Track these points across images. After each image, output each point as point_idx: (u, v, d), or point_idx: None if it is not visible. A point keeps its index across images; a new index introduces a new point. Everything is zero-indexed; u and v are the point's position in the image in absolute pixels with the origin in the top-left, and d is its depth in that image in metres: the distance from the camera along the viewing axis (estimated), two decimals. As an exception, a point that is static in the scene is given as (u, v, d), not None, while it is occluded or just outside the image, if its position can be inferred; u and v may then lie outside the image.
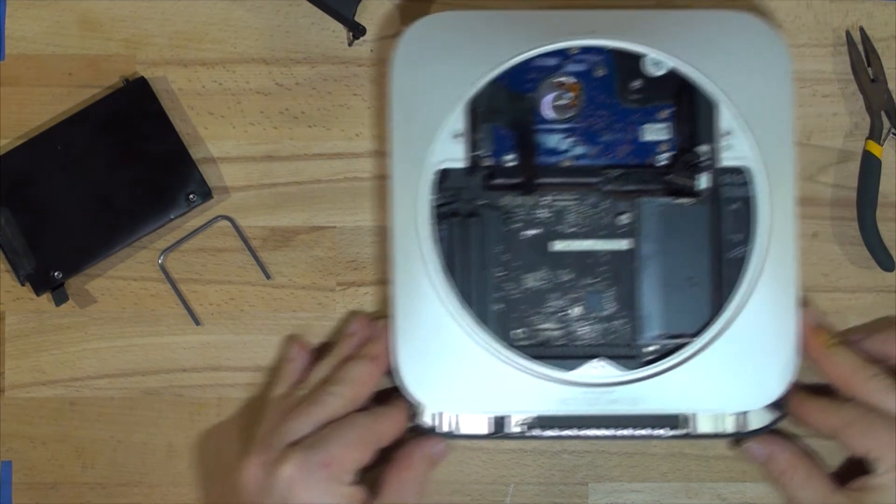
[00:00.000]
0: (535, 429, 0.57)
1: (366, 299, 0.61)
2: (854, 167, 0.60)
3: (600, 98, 0.58)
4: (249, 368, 0.61)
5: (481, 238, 0.57)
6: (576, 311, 0.58)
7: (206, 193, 0.60)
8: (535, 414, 0.57)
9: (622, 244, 0.58)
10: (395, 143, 0.56)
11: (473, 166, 0.57)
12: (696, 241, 0.57)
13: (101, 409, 0.61)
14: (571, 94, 0.58)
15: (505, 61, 0.56)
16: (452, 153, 0.56)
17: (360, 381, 0.56)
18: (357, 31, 0.58)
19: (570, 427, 0.57)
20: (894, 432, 0.54)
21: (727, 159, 0.56)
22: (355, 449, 0.54)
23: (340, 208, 0.61)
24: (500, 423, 0.57)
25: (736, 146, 0.56)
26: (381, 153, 0.61)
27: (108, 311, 0.61)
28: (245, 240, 0.61)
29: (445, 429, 0.57)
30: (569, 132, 0.58)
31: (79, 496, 0.61)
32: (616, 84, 0.58)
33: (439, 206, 0.57)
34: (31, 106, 0.61)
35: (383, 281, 0.61)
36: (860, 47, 0.61)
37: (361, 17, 0.58)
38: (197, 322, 0.61)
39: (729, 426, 0.57)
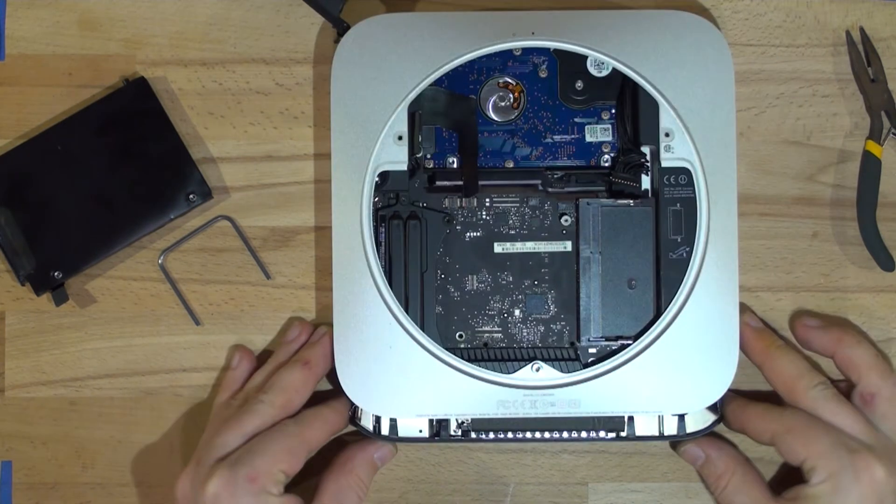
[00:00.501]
0: (475, 432, 0.57)
1: (366, 299, 0.61)
2: (854, 167, 0.60)
3: (543, 99, 0.59)
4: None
5: (422, 240, 0.57)
6: (517, 313, 0.58)
7: (206, 193, 0.60)
8: (474, 417, 0.57)
9: (564, 246, 0.57)
10: (336, 145, 0.56)
11: (415, 168, 0.57)
12: (639, 242, 0.57)
13: (101, 409, 0.61)
14: (514, 96, 0.58)
15: (447, 63, 0.56)
16: (394, 155, 0.56)
17: (292, 388, 0.56)
18: (341, 28, 0.58)
19: (509, 430, 0.57)
20: (832, 442, 0.53)
21: (669, 160, 0.56)
22: (282, 460, 0.54)
23: (340, 208, 0.61)
24: (439, 426, 0.57)
25: (677, 147, 0.56)
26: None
27: (108, 311, 0.61)
28: (245, 240, 0.61)
29: (384, 432, 0.57)
30: (511, 133, 0.58)
31: (79, 496, 0.61)
32: (559, 85, 0.58)
33: (380, 208, 0.57)
34: (31, 106, 0.61)
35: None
36: (860, 47, 0.61)
37: (351, 18, 0.58)
38: (197, 322, 0.61)
39: (669, 429, 0.57)
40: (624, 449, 0.61)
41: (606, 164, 0.58)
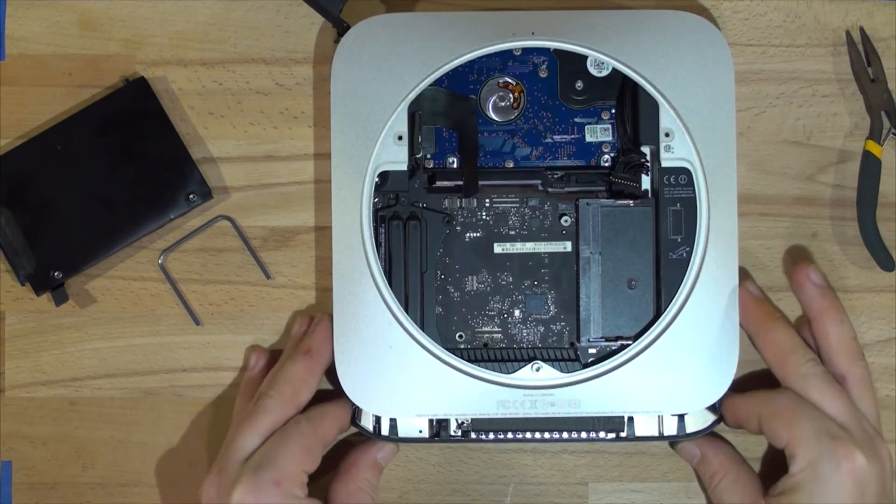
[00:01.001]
0: (475, 432, 0.57)
1: (366, 299, 0.61)
2: (854, 167, 0.60)
3: (543, 99, 0.59)
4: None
5: (422, 241, 0.57)
6: (517, 313, 0.58)
7: (206, 193, 0.60)
8: (473, 416, 0.57)
9: (564, 246, 0.58)
10: (336, 145, 0.56)
11: (415, 168, 0.57)
12: (639, 242, 0.57)
13: (101, 409, 0.61)
14: (514, 96, 0.58)
15: (447, 63, 0.56)
16: (394, 155, 0.56)
17: (297, 379, 0.56)
18: (341, 28, 0.58)
19: (509, 430, 0.57)
20: (815, 429, 0.52)
21: (669, 160, 0.56)
22: (302, 460, 0.54)
23: (340, 208, 0.61)
24: (439, 426, 0.57)
25: (677, 147, 0.56)
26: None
27: (108, 311, 0.61)
28: (245, 240, 0.61)
29: (384, 432, 0.57)
30: (511, 133, 0.58)
31: (79, 496, 0.61)
32: (559, 85, 0.58)
33: (380, 208, 0.57)
34: (31, 106, 0.61)
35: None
36: (860, 47, 0.61)
37: (351, 18, 0.58)
38: (197, 322, 0.61)
39: (668, 429, 0.57)
40: (624, 449, 0.61)
41: (606, 164, 0.58)
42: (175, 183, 0.60)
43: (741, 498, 0.55)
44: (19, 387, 0.61)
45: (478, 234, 0.58)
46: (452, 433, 0.57)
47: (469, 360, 0.56)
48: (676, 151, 0.56)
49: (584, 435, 0.57)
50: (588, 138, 0.58)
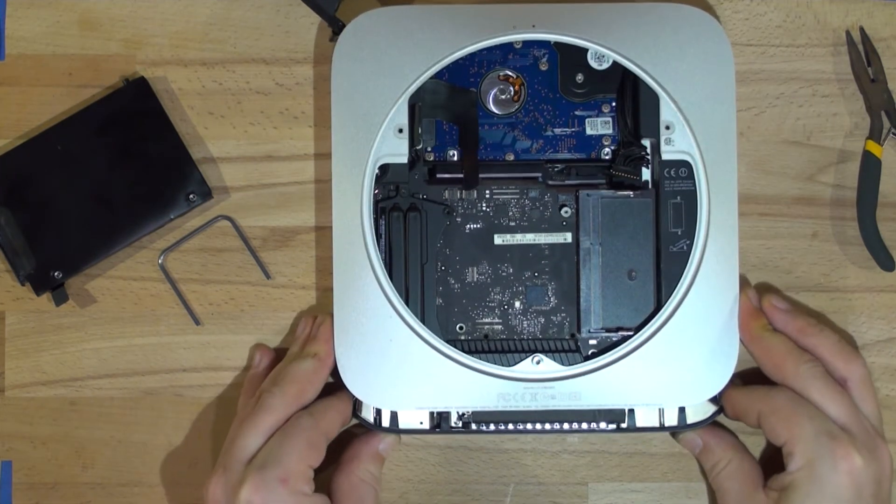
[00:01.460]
0: (475, 423, 0.57)
1: (366, 299, 0.61)
2: (854, 167, 0.60)
3: (543, 92, 0.59)
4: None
5: (422, 232, 0.57)
6: (517, 305, 0.58)
7: (206, 193, 0.60)
8: (474, 409, 0.56)
9: (564, 237, 0.58)
10: (337, 137, 0.56)
11: (415, 161, 0.57)
12: (639, 233, 0.57)
13: (101, 409, 0.61)
14: (514, 89, 0.59)
15: (447, 56, 0.56)
16: (394, 148, 0.56)
17: (304, 378, 0.56)
18: (337, 26, 0.58)
19: (510, 422, 0.57)
20: (814, 428, 0.52)
21: (669, 153, 0.56)
22: (307, 456, 0.54)
23: (340, 208, 0.61)
24: (440, 418, 0.57)
25: (677, 140, 0.56)
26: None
27: (108, 311, 0.61)
28: (245, 240, 0.61)
29: (385, 424, 0.57)
30: (512, 126, 0.59)
31: (79, 496, 0.61)
32: (559, 78, 0.58)
33: (380, 200, 0.57)
34: (31, 106, 0.61)
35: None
36: (860, 47, 0.61)
37: (348, 17, 0.58)
38: (197, 322, 0.61)
39: (669, 420, 0.57)
40: (624, 449, 0.61)
41: (607, 157, 0.58)
42: (175, 183, 0.60)
43: (743, 486, 0.55)
44: (19, 387, 0.61)
45: (478, 226, 0.58)
46: (453, 424, 0.57)
47: (469, 352, 0.56)
48: (677, 144, 0.56)
49: (584, 426, 0.57)
50: (588, 131, 0.59)
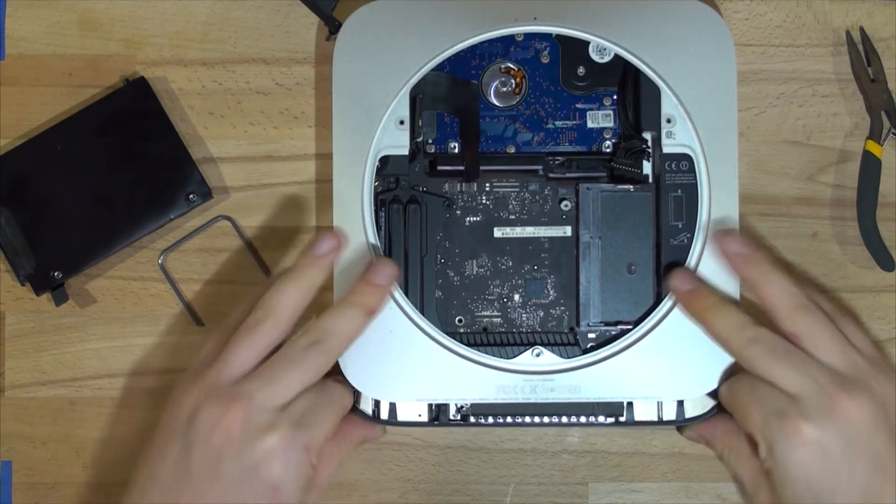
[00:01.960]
0: (474, 416, 0.57)
1: (366, 299, 0.61)
2: (854, 167, 0.60)
3: (545, 85, 0.59)
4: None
5: (422, 225, 0.57)
6: (517, 298, 0.58)
7: (206, 193, 0.60)
8: (473, 402, 0.56)
9: (564, 231, 0.58)
10: (338, 129, 0.56)
11: (416, 153, 0.57)
12: (639, 227, 0.57)
13: (101, 409, 0.61)
14: (515, 81, 0.59)
15: (448, 48, 0.56)
16: (395, 140, 0.56)
17: (349, 337, 0.53)
18: (333, 25, 0.58)
19: (509, 415, 0.57)
20: (763, 414, 0.51)
21: (670, 146, 0.56)
22: (330, 431, 0.53)
23: (340, 208, 0.61)
24: (438, 411, 0.57)
25: (678, 133, 0.56)
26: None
27: (108, 311, 0.61)
28: (245, 240, 0.61)
29: (384, 416, 0.57)
30: (513, 119, 0.59)
31: (79, 496, 0.61)
32: (561, 71, 0.59)
33: (380, 192, 0.57)
34: (31, 106, 0.61)
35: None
36: (860, 47, 0.61)
37: (344, 17, 0.58)
38: (197, 322, 0.61)
39: (668, 414, 0.57)
40: (624, 449, 0.61)
41: (608, 150, 0.58)
42: (175, 183, 0.60)
43: (747, 471, 0.54)
44: (19, 387, 0.61)
45: (478, 219, 0.58)
46: (451, 417, 0.57)
47: (468, 345, 0.56)
48: (678, 137, 0.56)
49: (583, 419, 0.57)
50: (590, 124, 0.59)
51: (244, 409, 0.50)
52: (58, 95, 0.61)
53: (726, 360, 0.55)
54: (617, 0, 0.57)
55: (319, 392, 0.53)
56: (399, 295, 0.55)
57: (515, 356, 0.56)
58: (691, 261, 0.56)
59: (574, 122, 0.59)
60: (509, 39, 0.58)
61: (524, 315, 0.58)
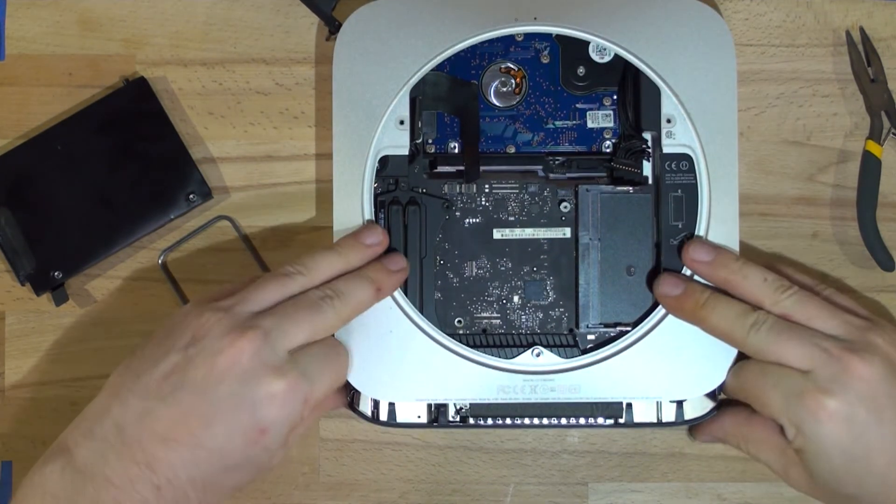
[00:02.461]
0: (473, 418, 0.57)
1: (366, 299, 0.61)
2: (854, 167, 0.60)
3: (545, 85, 0.59)
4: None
5: (421, 226, 0.57)
6: (516, 299, 0.58)
7: (206, 193, 0.60)
8: (473, 402, 0.56)
9: (563, 232, 0.58)
10: (337, 130, 0.56)
11: (416, 153, 0.57)
12: (638, 229, 0.57)
13: (101, 409, 0.61)
14: (515, 81, 0.59)
15: (448, 48, 0.56)
16: (395, 140, 0.56)
17: (358, 308, 0.54)
18: (333, 25, 0.58)
19: (508, 416, 0.57)
20: (781, 396, 0.51)
21: (670, 146, 0.56)
22: (330, 390, 0.53)
23: (340, 208, 0.61)
24: (438, 412, 0.57)
25: (678, 133, 0.56)
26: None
27: (108, 311, 0.61)
28: (245, 240, 0.61)
29: (383, 417, 0.57)
30: (513, 119, 0.59)
31: (79, 496, 0.61)
32: (561, 71, 0.59)
33: (379, 193, 0.57)
34: (31, 106, 0.61)
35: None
36: (860, 47, 0.61)
37: (344, 17, 0.58)
38: (197, 322, 0.61)
39: (667, 416, 0.57)
40: (624, 449, 0.61)
41: (608, 151, 0.58)
42: (175, 183, 0.60)
43: (771, 454, 0.54)
44: (19, 387, 0.61)
45: (477, 220, 0.58)
46: (451, 419, 0.57)
47: (468, 346, 0.56)
48: (678, 137, 0.56)
49: (582, 421, 0.57)
50: (589, 124, 0.59)
51: (257, 341, 0.50)
52: (58, 95, 0.61)
53: (725, 360, 0.55)
54: (617, 0, 0.57)
55: (328, 349, 0.53)
56: (399, 295, 0.56)
57: (515, 356, 0.56)
58: None
59: (574, 122, 0.59)
60: (509, 39, 0.58)
61: (523, 316, 0.58)
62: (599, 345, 0.57)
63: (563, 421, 0.57)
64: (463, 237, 0.58)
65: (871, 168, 0.60)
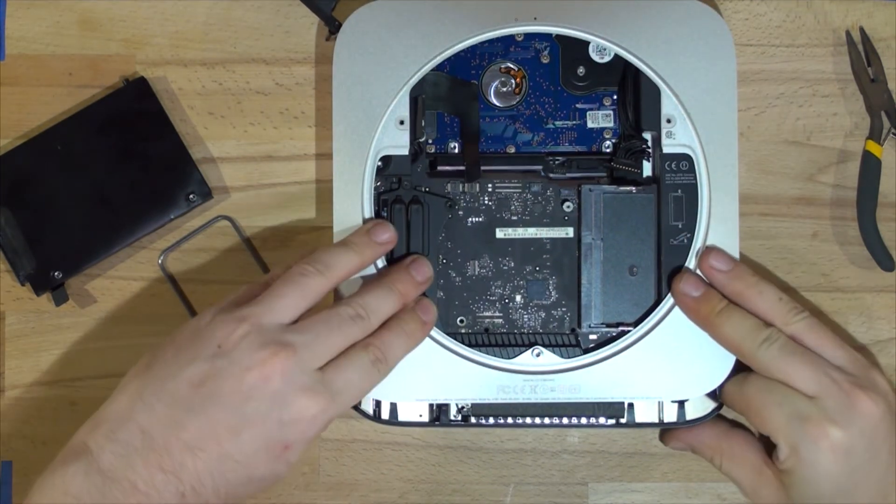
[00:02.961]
0: (475, 417, 0.57)
1: (366, 299, 0.61)
2: (854, 167, 0.60)
3: (545, 85, 0.59)
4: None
5: (424, 225, 0.57)
6: (518, 299, 0.58)
7: (206, 193, 0.60)
8: (474, 402, 0.56)
9: (566, 232, 0.58)
10: (337, 130, 0.56)
11: (417, 153, 0.57)
12: (640, 229, 0.57)
13: (101, 409, 0.61)
14: (515, 81, 0.59)
15: (448, 48, 0.56)
16: (396, 140, 0.56)
17: (378, 309, 0.53)
18: (333, 25, 0.58)
19: (509, 416, 0.57)
20: (785, 415, 0.52)
21: (670, 146, 0.56)
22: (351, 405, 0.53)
23: (340, 208, 0.61)
24: (440, 411, 0.57)
25: (678, 133, 0.56)
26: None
27: (108, 311, 0.61)
28: (245, 240, 0.61)
29: (385, 416, 0.57)
30: (513, 119, 0.59)
31: (79, 496, 0.61)
32: (561, 71, 0.59)
33: (382, 192, 0.57)
34: (31, 106, 0.61)
35: (383, 281, 0.60)
36: (860, 47, 0.61)
37: (344, 17, 0.58)
38: (197, 322, 0.61)
39: (668, 415, 0.57)
40: (624, 449, 0.61)
41: (608, 150, 0.58)
42: (175, 183, 0.60)
43: (744, 471, 0.55)
44: (19, 387, 0.61)
45: (480, 219, 0.58)
46: (452, 418, 0.57)
47: (470, 345, 0.56)
48: (678, 137, 0.56)
49: (583, 420, 0.57)
50: (590, 124, 0.59)
51: (288, 361, 0.49)
52: (58, 95, 0.61)
53: (726, 361, 0.55)
54: (617, 0, 0.57)
55: (361, 370, 0.52)
56: None
57: (516, 356, 0.56)
58: (691, 261, 0.56)
59: (574, 122, 0.59)
60: (509, 39, 0.58)
61: (525, 316, 0.58)
62: (600, 344, 0.57)
63: (566, 420, 0.57)
64: (466, 236, 0.58)
65: (871, 168, 0.60)
